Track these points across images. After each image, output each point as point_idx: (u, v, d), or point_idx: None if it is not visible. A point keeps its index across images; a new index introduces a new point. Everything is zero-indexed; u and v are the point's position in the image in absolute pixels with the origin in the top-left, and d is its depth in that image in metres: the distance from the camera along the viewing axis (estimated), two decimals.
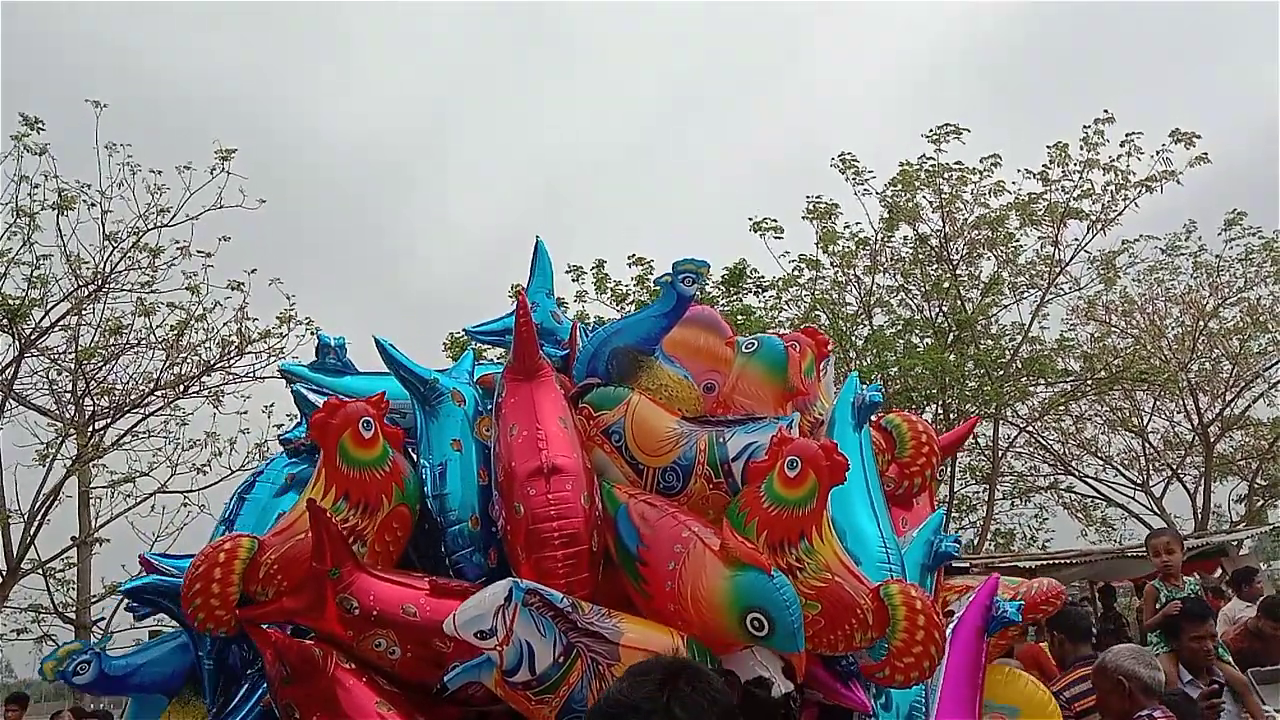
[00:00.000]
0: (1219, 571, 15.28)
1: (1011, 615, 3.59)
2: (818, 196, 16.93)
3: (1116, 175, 16.40)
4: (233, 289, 14.52)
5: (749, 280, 17.90)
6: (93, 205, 13.78)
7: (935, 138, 16.36)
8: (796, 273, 17.53)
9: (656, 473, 3.22)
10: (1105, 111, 16.31)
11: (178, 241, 14.22)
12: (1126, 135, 16.19)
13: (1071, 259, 17.36)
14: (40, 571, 14.11)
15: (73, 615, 14.35)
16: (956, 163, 16.57)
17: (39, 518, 13.76)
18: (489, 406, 3.50)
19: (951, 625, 3.54)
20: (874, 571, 3.02)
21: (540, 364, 3.39)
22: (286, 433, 4.11)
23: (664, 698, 1.72)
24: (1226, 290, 19.46)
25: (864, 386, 3.63)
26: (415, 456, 3.54)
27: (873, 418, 3.91)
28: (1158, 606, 5.77)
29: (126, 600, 3.64)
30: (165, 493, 14.52)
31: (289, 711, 2.86)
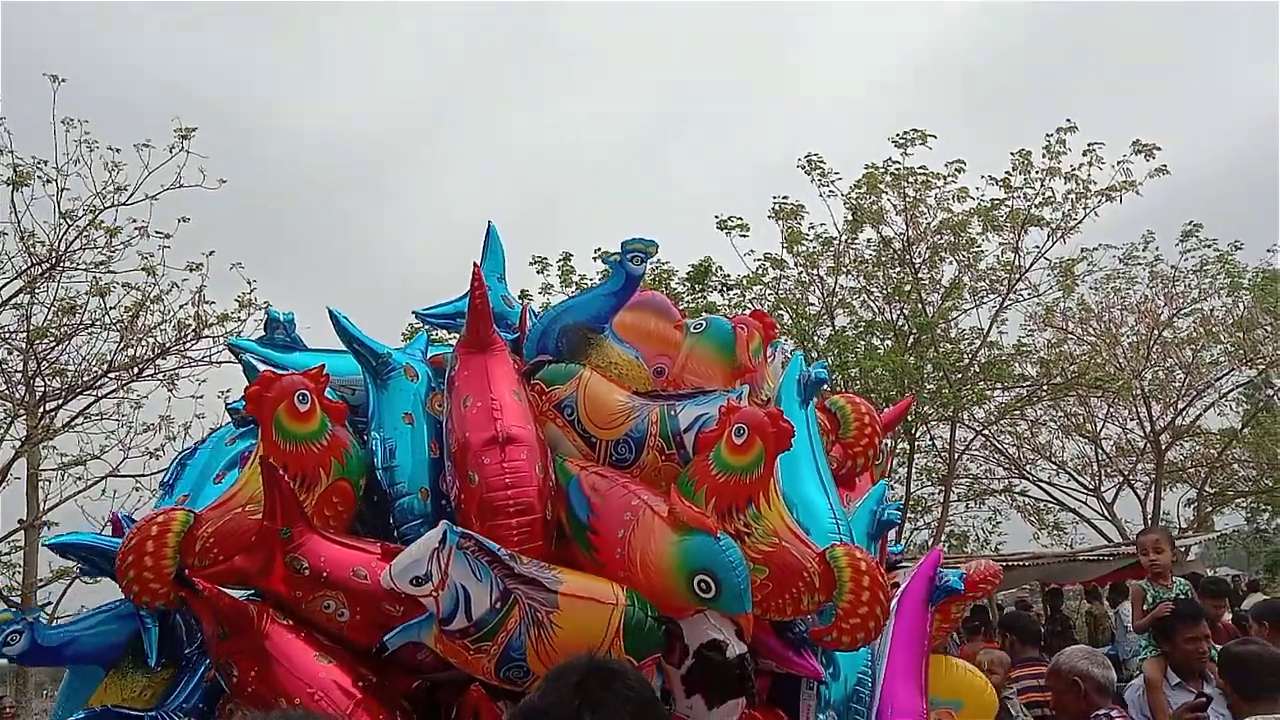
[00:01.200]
0: None
1: (953, 584, 3.64)
2: (784, 197, 17.01)
3: (1078, 184, 16.64)
4: (190, 270, 14.30)
5: (714, 278, 17.95)
6: (49, 182, 13.55)
7: (901, 142, 16.49)
8: (761, 272, 17.61)
9: (609, 445, 3.24)
10: (1068, 120, 16.56)
11: (135, 220, 14.00)
12: (1089, 145, 16.43)
13: (1031, 265, 17.59)
14: None
15: (18, 599, 14.10)
16: (921, 167, 16.73)
17: None
18: (442, 385, 3.49)
19: (896, 597, 3.58)
20: (825, 542, 3.04)
21: (494, 337, 3.40)
22: (233, 402, 4.06)
23: (575, 702, 1.76)
24: (1181, 300, 19.83)
25: (810, 369, 3.66)
26: (365, 433, 3.51)
27: (816, 400, 3.95)
28: (1145, 608, 5.51)
29: (58, 555, 3.60)
30: (117, 476, 14.29)
31: (227, 669, 2.82)
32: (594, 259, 16.70)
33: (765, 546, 2.87)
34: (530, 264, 17.60)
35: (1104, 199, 16.63)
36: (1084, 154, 16.45)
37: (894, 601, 3.49)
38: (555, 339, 3.56)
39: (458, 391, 3.25)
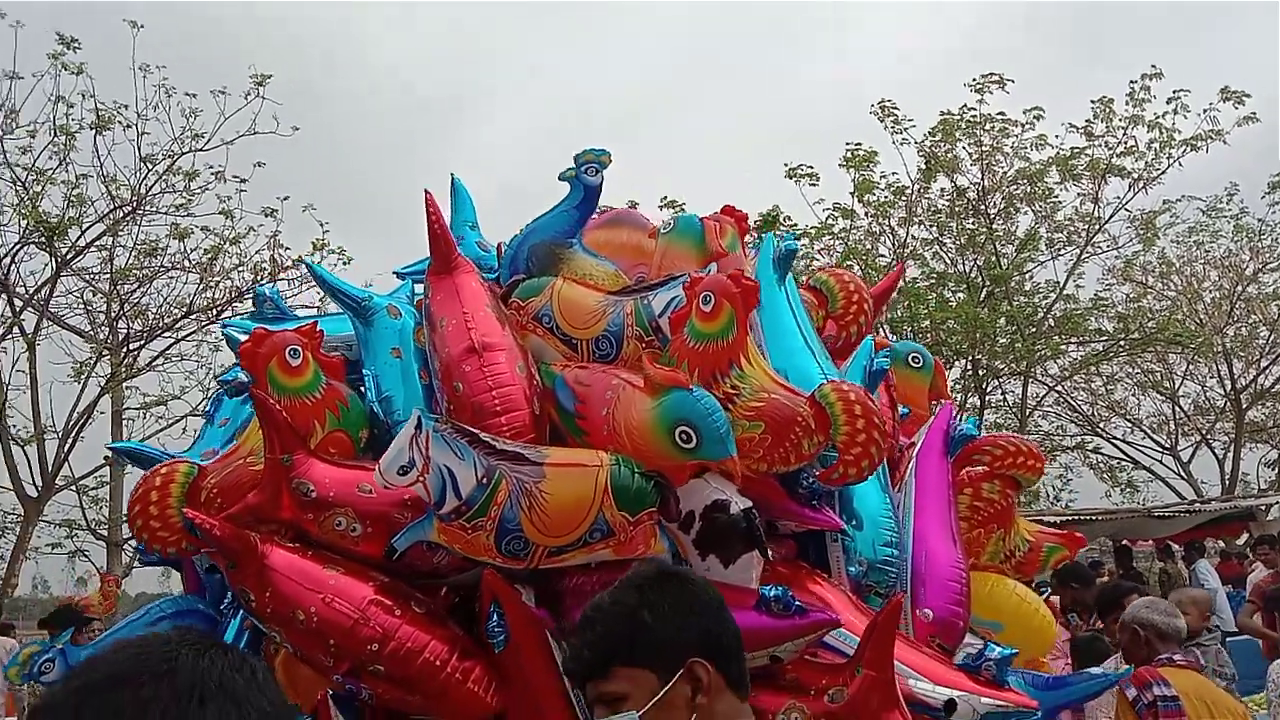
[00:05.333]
0: (1245, 536, 15.24)
1: (968, 430, 3.63)
2: (856, 144, 16.70)
3: (1161, 133, 16.14)
4: (266, 215, 14.59)
5: (781, 228, 17.76)
6: (128, 127, 13.87)
7: (978, 87, 16.09)
8: (830, 221, 17.37)
9: (590, 344, 3.32)
10: (1153, 67, 16.03)
11: (212, 166, 14.30)
12: (1174, 92, 15.92)
13: (1111, 217, 17.20)
14: (74, 488, 14.39)
15: (104, 533, 14.64)
16: (998, 114, 16.32)
17: (73, 435, 13.99)
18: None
19: (914, 454, 3.59)
20: None
21: (456, 258, 3.45)
22: (224, 374, 4.18)
23: (635, 602, 1.80)
24: (1267, 255, 19.21)
25: (779, 243, 3.64)
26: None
27: (805, 280, 4.01)
28: None
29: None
30: (197, 415, 14.68)
31: (245, 597, 2.87)
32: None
33: (756, 402, 2.90)
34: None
35: (1188, 148, 16.15)
36: (1168, 101, 15.96)
37: (912, 460, 3.53)
38: (525, 259, 3.63)
39: (434, 318, 3.33)
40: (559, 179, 3.63)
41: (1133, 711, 3.93)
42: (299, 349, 3.23)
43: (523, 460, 2.80)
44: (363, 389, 3.47)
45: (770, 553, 2.96)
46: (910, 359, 4.25)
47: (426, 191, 3.46)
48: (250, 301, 13.97)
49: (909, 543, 3.35)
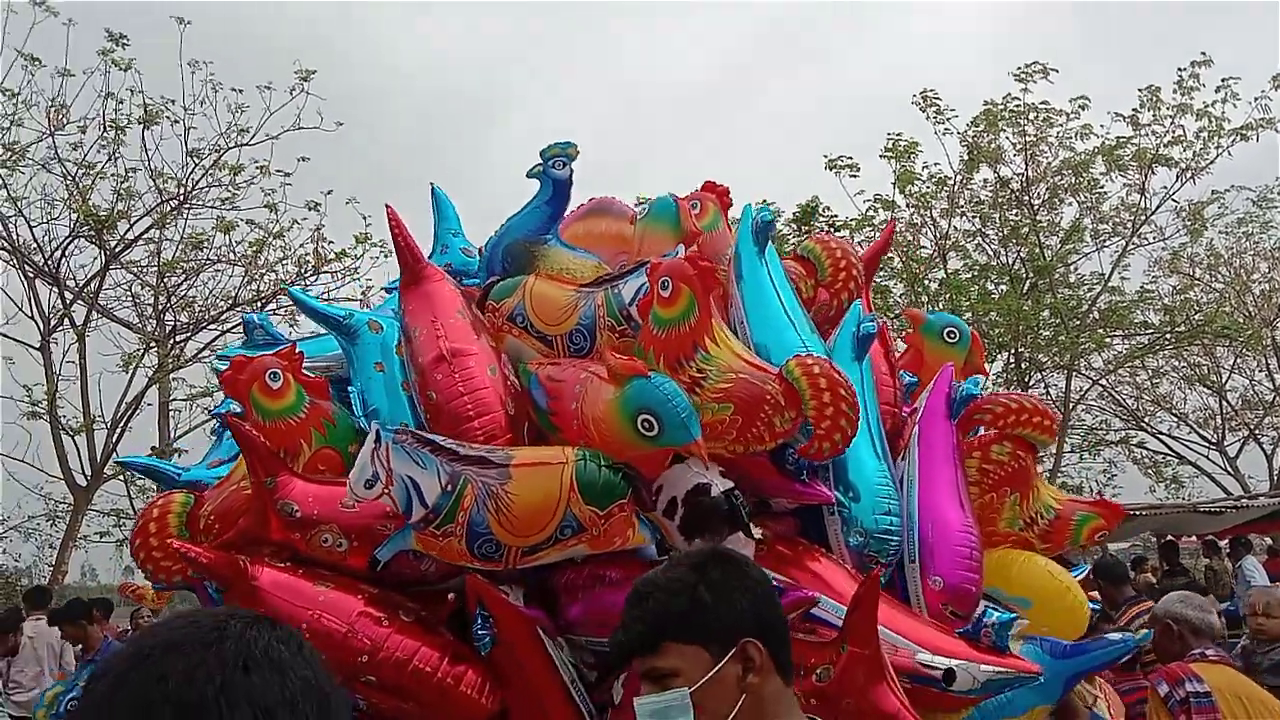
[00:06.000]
0: None
1: (970, 389, 3.52)
2: (898, 134, 16.56)
3: (1210, 122, 15.83)
4: (310, 209, 14.75)
5: (821, 219, 17.65)
6: (176, 122, 14.07)
7: (1023, 77, 15.88)
8: (871, 213, 17.24)
9: (564, 339, 3.34)
10: (1202, 54, 15.73)
11: (257, 161, 14.48)
12: (1223, 80, 15.61)
13: (1158, 208, 16.91)
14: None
15: None
16: (1043, 103, 16.10)
17: (121, 425, 14.24)
18: None
19: (917, 420, 3.53)
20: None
21: (424, 268, 3.47)
22: (217, 407, 4.33)
23: (694, 579, 1.79)
24: None
25: (757, 214, 3.59)
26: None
27: (793, 251, 3.97)
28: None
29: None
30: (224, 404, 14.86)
31: None
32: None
33: (724, 384, 2.89)
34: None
35: (1238, 137, 15.83)
36: (1218, 89, 15.65)
37: (916, 425, 3.47)
38: (501, 260, 3.65)
39: (408, 328, 3.37)
40: (527, 176, 3.66)
41: (1165, 708, 3.88)
42: (279, 372, 3.34)
43: (487, 464, 2.83)
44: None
45: (762, 532, 2.96)
46: (946, 333, 4.16)
47: (388, 206, 3.53)
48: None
49: (915, 510, 3.29)
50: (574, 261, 3.60)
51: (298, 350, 3.50)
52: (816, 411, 2.85)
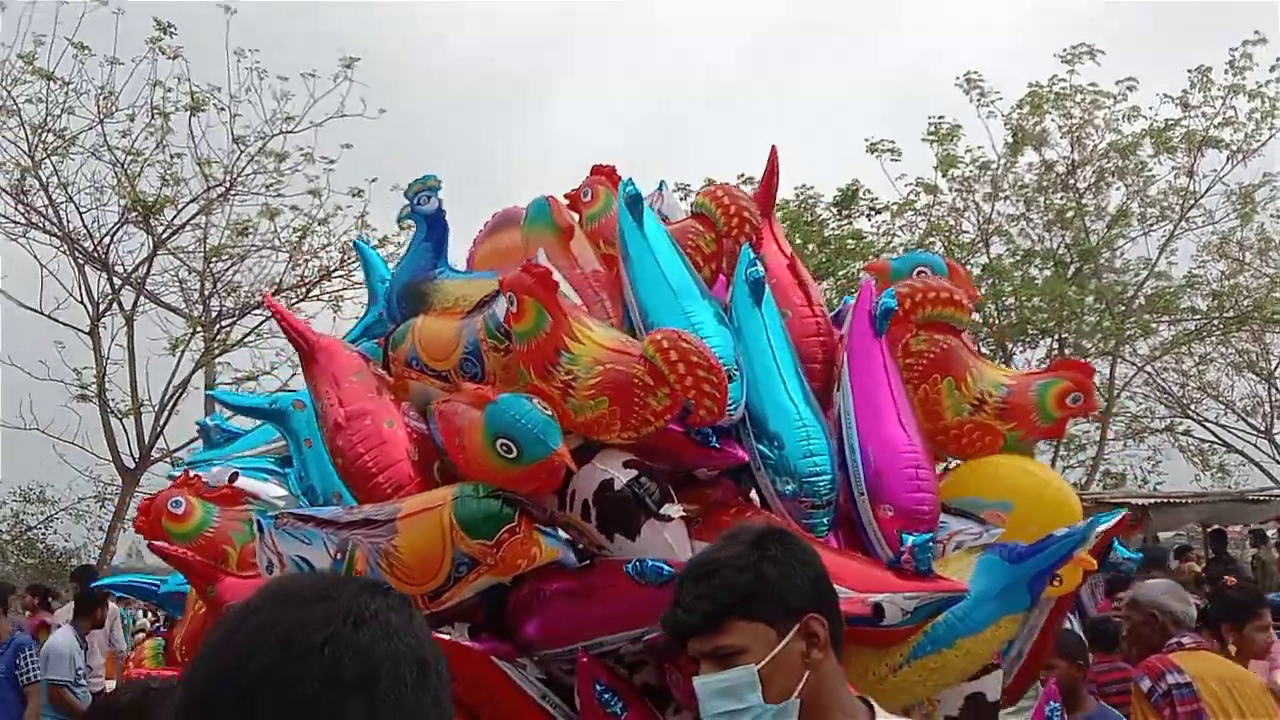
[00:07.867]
0: None
1: (888, 302, 3.31)
2: (939, 117, 16.38)
3: (1263, 102, 15.52)
4: (353, 196, 14.88)
5: (862, 203, 17.52)
6: (222, 109, 14.24)
7: (1069, 58, 15.65)
8: (913, 197, 17.09)
9: (456, 371, 3.31)
10: (1255, 33, 15.38)
11: (301, 148, 14.62)
12: (1277, 59, 15.28)
13: (1207, 191, 16.61)
14: (169, 460, 14.88)
15: None
16: (1090, 85, 15.86)
17: (168, 409, 14.49)
18: None
19: (841, 340, 3.42)
20: (726, 349, 3.05)
21: (314, 342, 3.53)
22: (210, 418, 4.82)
23: (755, 555, 1.79)
24: None
25: (624, 190, 3.50)
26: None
27: (690, 213, 3.76)
28: None
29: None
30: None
31: None
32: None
33: (593, 380, 2.84)
34: (675, 190, 17.53)
35: None
36: (1271, 69, 15.35)
37: (843, 350, 3.36)
38: (397, 307, 3.64)
39: (314, 403, 3.46)
40: (396, 222, 3.67)
41: (1149, 703, 3.87)
42: (180, 499, 3.71)
43: (373, 523, 2.86)
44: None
45: (684, 508, 2.90)
46: (917, 274, 3.93)
47: (266, 296, 3.61)
48: (337, 280, 14.22)
49: (856, 441, 3.17)
50: (469, 286, 3.53)
51: (192, 474, 3.91)
52: (680, 384, 2.79)
